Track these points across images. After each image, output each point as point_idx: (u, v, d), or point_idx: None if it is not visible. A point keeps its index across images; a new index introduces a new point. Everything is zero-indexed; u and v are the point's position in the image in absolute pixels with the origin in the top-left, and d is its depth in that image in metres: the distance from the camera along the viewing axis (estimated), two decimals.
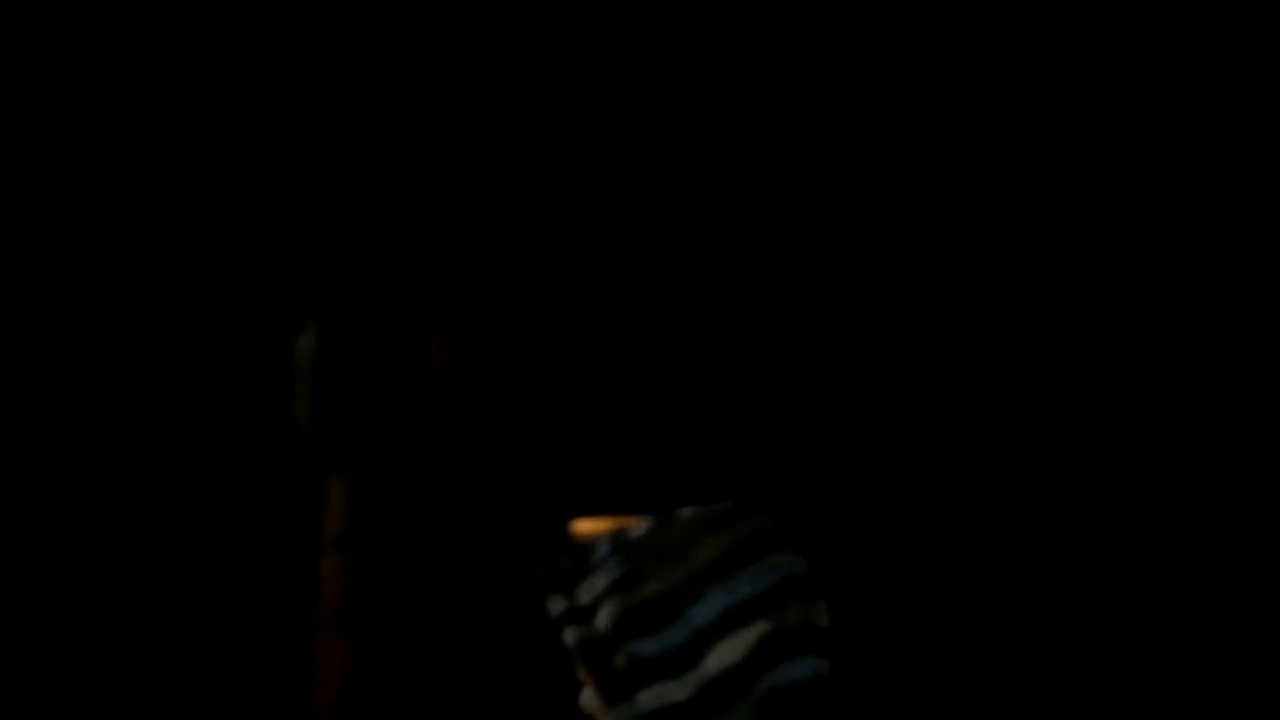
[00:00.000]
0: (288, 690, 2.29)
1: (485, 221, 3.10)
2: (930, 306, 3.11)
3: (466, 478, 2.75)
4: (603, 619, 0.88)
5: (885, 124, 3.19)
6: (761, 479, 3.15)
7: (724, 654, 0.83)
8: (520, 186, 3.23)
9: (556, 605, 0.91)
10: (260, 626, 2.38)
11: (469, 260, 3.06)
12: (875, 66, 3.12)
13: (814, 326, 3.22)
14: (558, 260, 3.34)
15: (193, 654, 2.33)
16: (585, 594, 0.91)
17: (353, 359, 2.75)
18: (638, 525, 0.95)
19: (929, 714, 2.42)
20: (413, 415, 2.76)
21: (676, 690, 0.83)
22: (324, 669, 2.36)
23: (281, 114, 2.85)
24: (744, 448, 3.18)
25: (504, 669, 2.58)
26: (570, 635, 0.88)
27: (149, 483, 2.48)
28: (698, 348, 3.29)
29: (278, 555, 2.43)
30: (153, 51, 2.78)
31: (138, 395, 2.61)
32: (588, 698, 0.90)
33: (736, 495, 3.29)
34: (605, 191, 3.32)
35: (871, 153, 3.19)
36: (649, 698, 0.84)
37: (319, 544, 2.54)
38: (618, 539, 0.92)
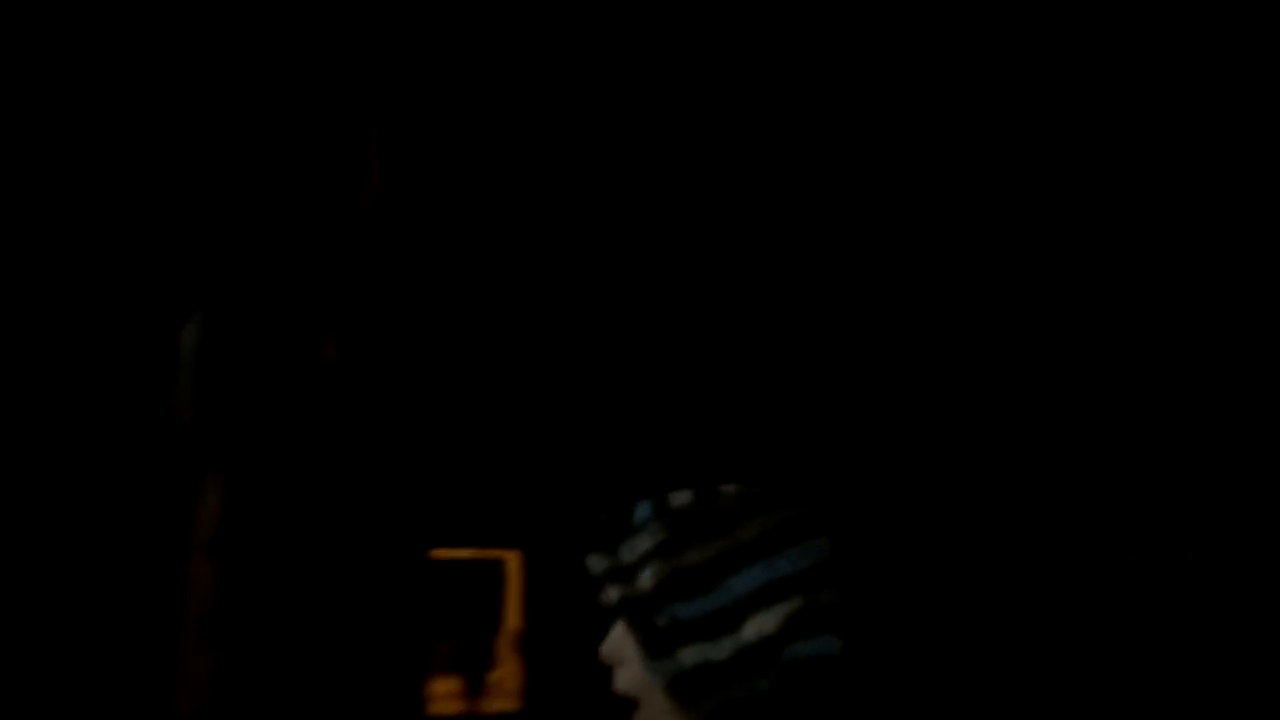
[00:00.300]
0: (153, 694, 2.15)
1: (390, 218, 3.04)
2: (918, 316, 3.18)
3: (341, 483, 2.67)
4: (645, 579, 0.94)
5: (884, 124, 3.15)
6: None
7: (761, 623, 0.90)
8: (427, 182, 3.18)
9: (598, 563, 0.95)
10: (126, 628, 2.23)
11: (371, 257, 2.99)
12: (875, 66, 3.08)
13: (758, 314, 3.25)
14: (463, 260, 3.30)
15: (58, 654, 2.16)
16: (628, 553, 0.98)
17: (238, 352, 2.64)
18: (679, 494, 1.02)
19: (932, 695, 2.49)
20: (295, 413, 2.66)
21: (715, 651, 0.90)
22: (188, 675, 2.23)
23: (173, 103, 2.74)
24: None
25: (362, 672, 2.50)
26: (613, 592, 0.92)
27: (22, 476, 2.30)
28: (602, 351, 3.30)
29: (148, 555, 2.28)
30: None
31: (15, 388, 2.43)
32: (610, 648, 0.97)
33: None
34: (516, 185, 3.30)
35: (862, 153, 3.29)
36: (689, 655, 0.90)
37: (189, 546, 2.41)
38: (659, 505, 0.96)
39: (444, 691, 2.75)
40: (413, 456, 2.79)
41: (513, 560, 2.88)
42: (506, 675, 2.78)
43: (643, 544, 0.97)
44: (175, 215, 2.70)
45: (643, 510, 1.00)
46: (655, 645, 0.92)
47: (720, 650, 0.91)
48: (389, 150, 3.06)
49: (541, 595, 2.92)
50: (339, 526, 2.59)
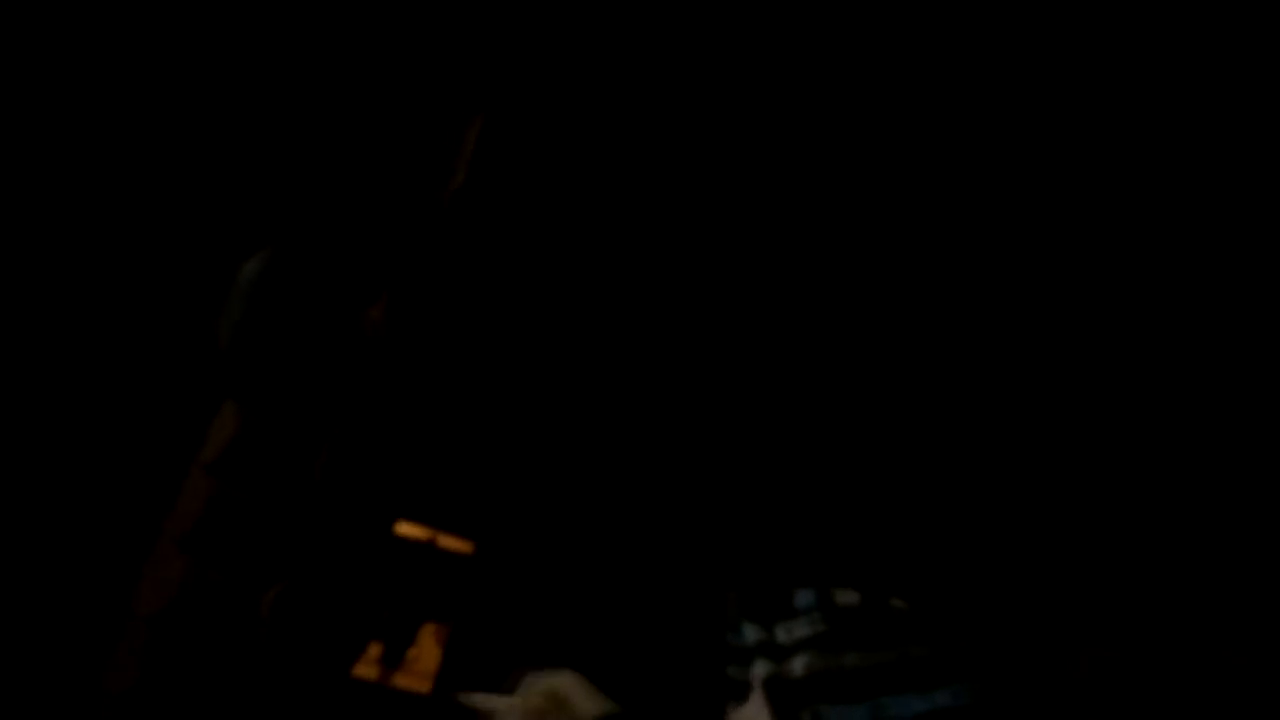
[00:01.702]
0: (113, 595, 2.34)
1: (473, 210, 3.18)
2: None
3: (349, 444, 2.84)
4: (798, 666, 0.90)
5: (883, 125, 3.15)
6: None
7: None
8: (518, 182, 3.31)
9: (751, 633, 0.99)
10: (103, 524, 2.41)
11: (444, 243, 3.13)
12: (875, 67, 3.09)
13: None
14: (521, 257, 3.44)
15: (33, 556, 2.34)
16: (783, 634, 0.98)
17: (292, 297, 2.79)
18: (846, 593, 1.05)
19: None
20: (326, 366, 2.82)
21: None
22: (154, 580, 2.42)
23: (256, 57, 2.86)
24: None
25: (314, 621, 2.69)
26: (761, 667, 0.95)
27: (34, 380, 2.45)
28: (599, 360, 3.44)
29: (150, 465, 2.46)
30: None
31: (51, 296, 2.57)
32: (742, 716, 0.98)
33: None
34: (567, 181, 3.43)
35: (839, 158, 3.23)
36: None
37: (190, 462, 2.59)
38: (822, 596, 1.00)
39: (365, 655, 2.95)
40: (418, 434, 2.96)
41: (463, 549, 3.07)
42: (424, 657, 2.98)
43: (800, 629, 0.99)
44: (276, 156, 2.84)
45: (805, 598, 1.03)
46: None
47: None
48: (489, 142, 3.19)
49: (490, 589, 3.11)
50: (334, 481, 2.76)
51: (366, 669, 2.85)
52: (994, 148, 3.12)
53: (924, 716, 0.93)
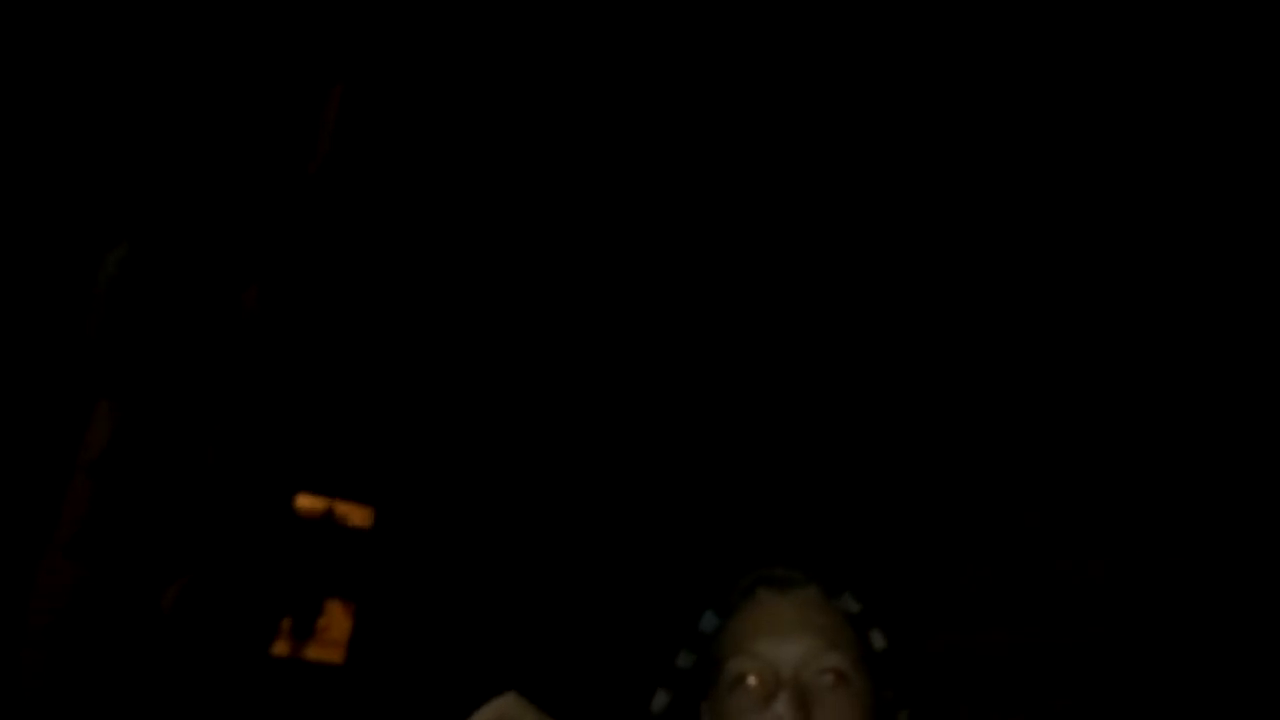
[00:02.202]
0: (6, 606, 2.33)
1: (339, 184, 3.12)
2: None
3: (229, 427, 2.83)
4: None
5: (880, 125, 3.11)
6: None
7: None
8: (383, 151, 3.25)
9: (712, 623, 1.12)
10: None
11: (314, 221, 3.08)
12: (876, 67, 3.05)
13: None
14: (405, 237, 3.39)
15: None
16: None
17: (157, 287, 2.74)
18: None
19: None
20: (201, 354, 2.80)
21: None
22: (46, 589, 2.42)
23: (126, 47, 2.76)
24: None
25: (216, 608, 2.72)
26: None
27: None
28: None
29: (28, 470, 2.43)
30: None
31: None
32: None
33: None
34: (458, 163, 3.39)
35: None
36: None
37: (72, 465, 2.56)
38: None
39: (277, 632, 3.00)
40: (302, 408, 2.96)
41: (361, 516, 3.11)
42: (333, 625, 3.04)
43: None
44: (127, 142, 2.76)
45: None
46: None
47: None
48: (350, 112, 3.13)
49: (392, 559, 3.17)
50: (220, 467, 2.77)
51: (277, 645, 2.90)
52: (994, 148, 3.09)
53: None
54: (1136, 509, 2.66)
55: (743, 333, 3.25)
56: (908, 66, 3.05)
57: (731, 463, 3.17)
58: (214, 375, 2.81)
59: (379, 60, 3.17)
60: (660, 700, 1.18)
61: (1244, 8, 2.70)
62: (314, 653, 2.96)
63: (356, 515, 3.05)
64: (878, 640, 1.13)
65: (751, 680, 1.08)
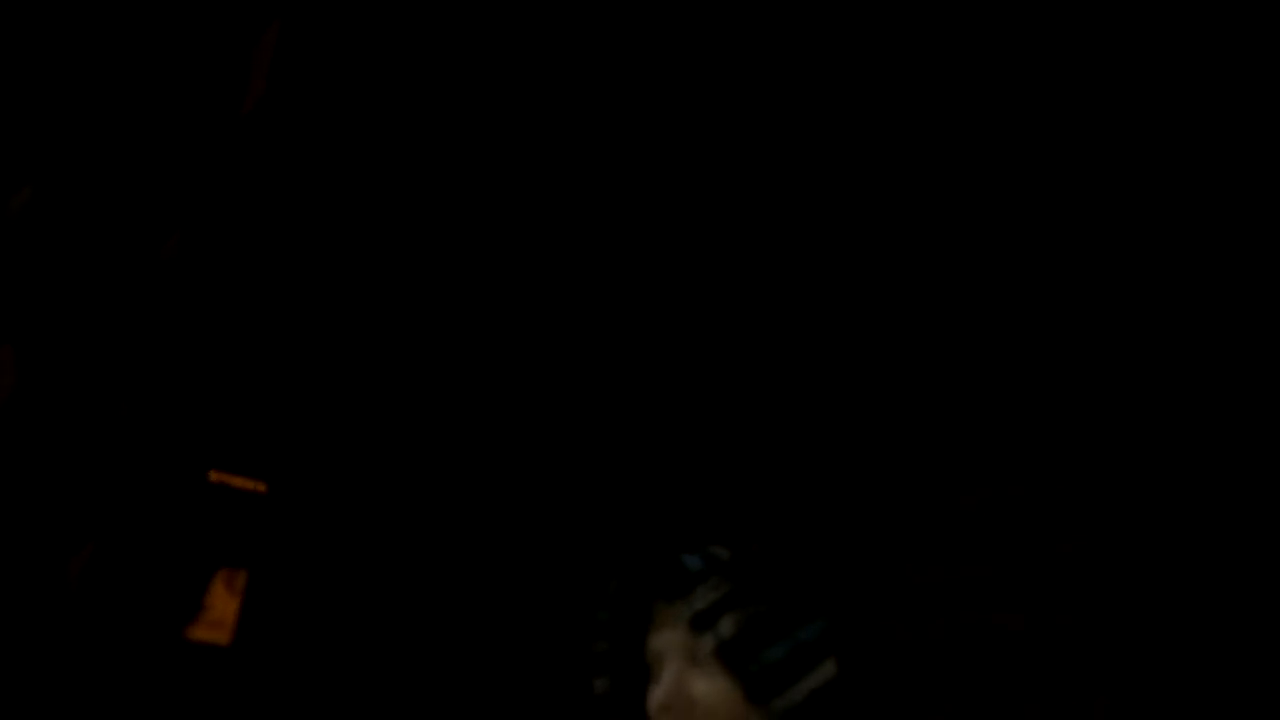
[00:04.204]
0: None
1: (272, 131, 2.92)
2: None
3: (137, 383, 2.76)
4: (726, 626, 1.11)
5: (879, 125, 2.82)
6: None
7: (827, 668, 1.10)
8: (319, 96, 2.94)
9: (682, 610, 1.14)
10: None
11: (243, 171, 2.93)
12: (876, 67, 2.83)
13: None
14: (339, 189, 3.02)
15: None
16: (701, 600, 1.14)
17: (66, 230, 2.88)
18: (719, 549, 1.17)
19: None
20: (112, 302, 2.82)
21: (795, 694, 1.10)
22: None
23: None
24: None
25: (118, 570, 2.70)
26: (708, 640, 1.12)
27: None
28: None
29: None
30: None
31: None
32: (657, 700, 1.11)
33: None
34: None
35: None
36: (783, 700, 1.09)
37: None
38: (707, 557, 1.14)
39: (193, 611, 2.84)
40: (215, 375, 2.79)
41: (256, 489, 2.75)
42: (219, 607, 2.75)
43: (710, 594, 1.10)
44: (37, 75, 2.98)
45: (693, 562, 1.11)
46: (755, 691, 1.09)
47: (799, 693, 1.10)
48: (288, 50, 2.87)
49: (288, 534, 2.77)
50: (126, 424, 2.77)
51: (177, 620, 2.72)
52: (994, 147, 2.88)
53: (824, 634, 1.10)
54: (1136, 499, 2.49)
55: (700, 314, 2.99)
56: (908, 66, 2.92)
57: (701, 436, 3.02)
58: (128, 328, 2.83)
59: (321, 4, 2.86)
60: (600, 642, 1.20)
61: (1244, 8, 2.56)
62: (199, 634, 2.69)
63: (248, 488, 2.71)
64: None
65: None
